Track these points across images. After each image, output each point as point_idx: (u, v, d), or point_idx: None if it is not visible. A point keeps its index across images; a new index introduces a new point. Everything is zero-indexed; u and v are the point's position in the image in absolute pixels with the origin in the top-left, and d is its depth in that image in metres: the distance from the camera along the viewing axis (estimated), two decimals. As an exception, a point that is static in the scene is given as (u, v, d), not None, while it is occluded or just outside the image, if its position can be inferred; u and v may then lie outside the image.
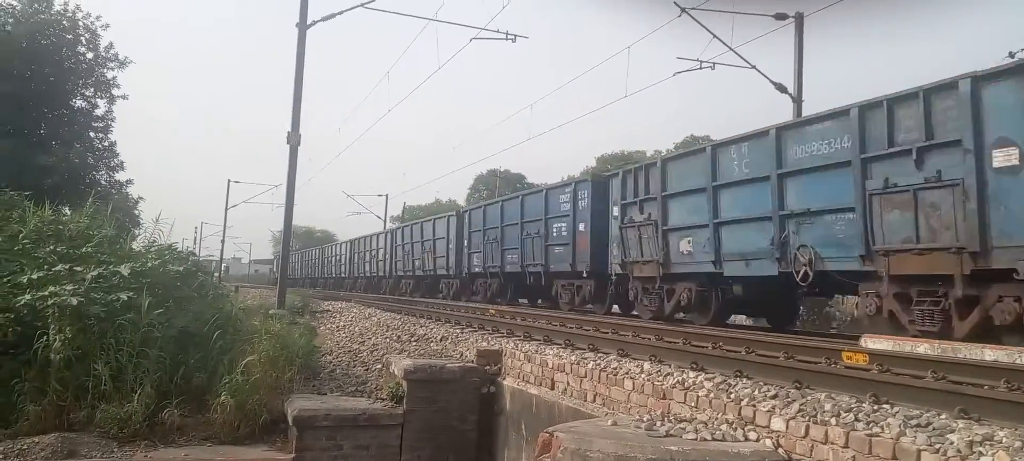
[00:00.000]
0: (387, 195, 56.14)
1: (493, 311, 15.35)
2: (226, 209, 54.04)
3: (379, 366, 11.59)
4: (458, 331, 12.60)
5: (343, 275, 45.56)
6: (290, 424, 9.39)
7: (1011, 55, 8.50)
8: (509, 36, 20.75)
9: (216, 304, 12.31)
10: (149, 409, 9.41)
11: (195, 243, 67.05)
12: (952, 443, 3.91)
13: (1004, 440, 3.79)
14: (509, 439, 9.13)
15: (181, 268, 12.11)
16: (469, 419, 9.61)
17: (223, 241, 58.29)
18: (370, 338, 14.15)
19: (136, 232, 14.20)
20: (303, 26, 18.68)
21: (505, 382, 9.58)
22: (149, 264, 11.30)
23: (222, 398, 9.60)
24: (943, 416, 4.49)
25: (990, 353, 7.18)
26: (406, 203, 67.96)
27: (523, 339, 10.77)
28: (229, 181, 54.03)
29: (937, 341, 8.08)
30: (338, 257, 48.16)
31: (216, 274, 33.67)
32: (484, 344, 10.62)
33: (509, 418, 9.25)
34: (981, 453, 3.72)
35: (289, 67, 18.65)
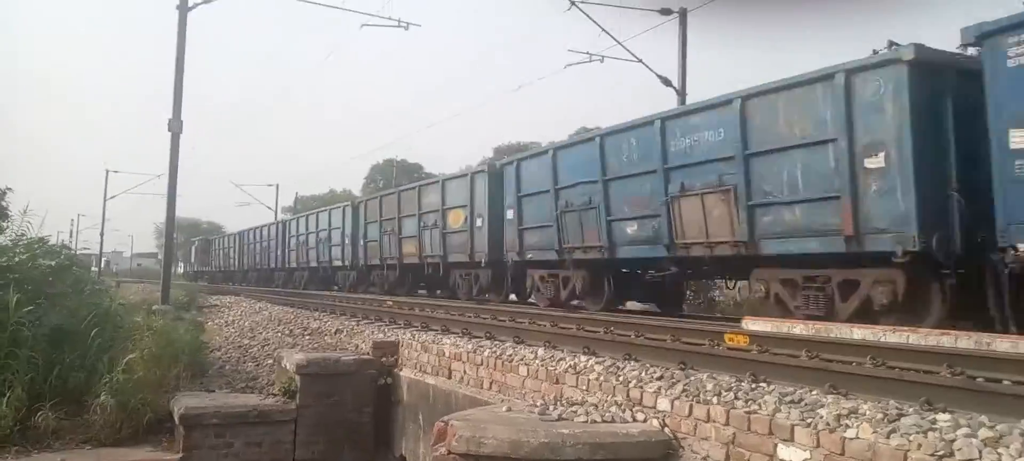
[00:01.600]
0: (277, 185, 54.45)
1: (390, 303, 15.24)
2: (105, 200, 51.13)
3: (270, 361, 11.29)
4: (354, 323, 12.42)
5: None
6: (177, 423, 9.03)
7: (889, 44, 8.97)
8: (401, 23, 20.54)
9: (94, 300, 11.70)
10: (20, 413, 8.83)
11: (71, 237, 63.00)
12: (822, 417, 4.17)
13: (868, 413, 4.07)
14: (406, 429, 9.09)
15: (53, 262, 11.42)
16: (365, 411, 9.50)
17: (102, 234, 55.13)
18: (261, 333, 13.76)
19: (2, 225, 13.22)
20: (184, 8, 17.88)
21: (402, 373, 9.52)
22: (17, 259, 10.60)
23: (102, 398, 9.11)
24: (814, 392, 4.78)
25: (858, 332, 7.71)
26: (299, 193, 66.14)
27: (420, 329, 10.72)
28: (107, 170, 51.13)
29: (812, 322, 8.61)
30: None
31: (95, 269, 31.86)
32: (380, 336, 10.50)
33: (406, 408, 9.20)
34: (847, 425, 3.98)
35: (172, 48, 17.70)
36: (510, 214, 15.36)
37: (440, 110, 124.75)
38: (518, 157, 15.91)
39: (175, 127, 17.68)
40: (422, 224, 19.27)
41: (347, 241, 24.82)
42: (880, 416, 3.96)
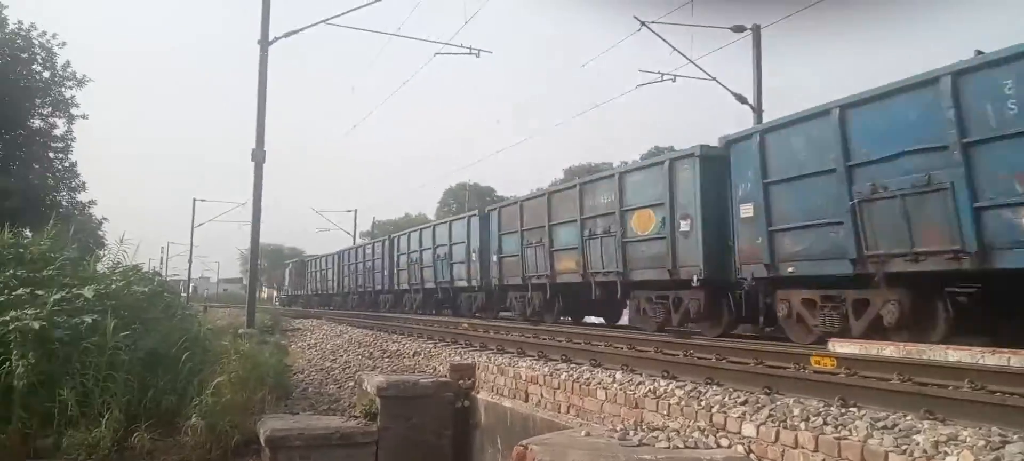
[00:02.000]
0: (356, 210, 55.77)
1: (466, 325, 15.34)
2: (192, 228, 53.41)
3: (351, 383, 11.51)
4: (431, 346, 12.56)
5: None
6: (263, 445, 9.28)
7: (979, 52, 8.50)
8: (473, 51, 20.81)
9: (184, 325, 12.13)
10: (118, 434, 9.21)
11: (162, 264, 65.98)
12: (918, 444, 3.99)
13: (968, 439, 3.88)
14: (484, 453, 9.11)
15: (147, 289, 11.94)
16: (444, 434, 9.57)
17: (190, 261, 57.56)
18: (342, 355, 14.05)
19: (100, 253, 13.92)
20: (265, 43, 18.59)
21: (479, 396, 9.57)
22: (114, 286, 11.12)
23: (193, 420, 9.44)
24: (909, 417, 4.59)
25: (953, 354, 7.36)
26: (376, 218, 67.58)
27: (496, 352, 10.77)
28: (194, 199, 53.39)
29: (903, 344, 8.26)
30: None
31: (184, 294, 33.22)
32: (457, 358, 10.59)
33: (484, 432, 9.23)
34: (946, 453, 3.80)
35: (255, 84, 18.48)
36: (747, 211, 11.44)
37: (511, 135, 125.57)
38: (758, 129, 12.05)
39: (258, 157, 18.33)
40: (587, 232, 15.56)
41: (474, 257, 21.60)
42: (982, 443, 3.77)
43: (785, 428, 4.84)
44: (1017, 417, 4.30)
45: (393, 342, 14.02)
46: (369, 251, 34.14)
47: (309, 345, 16.71)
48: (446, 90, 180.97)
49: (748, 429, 5.17)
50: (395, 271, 29.25)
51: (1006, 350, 7.04)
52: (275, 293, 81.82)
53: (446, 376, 10.04)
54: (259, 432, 9.44)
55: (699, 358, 8.04)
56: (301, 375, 12.75)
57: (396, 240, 29.90)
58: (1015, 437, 3.87)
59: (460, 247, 22.52)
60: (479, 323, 16.16)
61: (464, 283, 22.53)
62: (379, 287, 31.78)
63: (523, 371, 8.72)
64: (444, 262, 23.87)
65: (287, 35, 19.00)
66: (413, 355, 12.18)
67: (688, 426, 5.80)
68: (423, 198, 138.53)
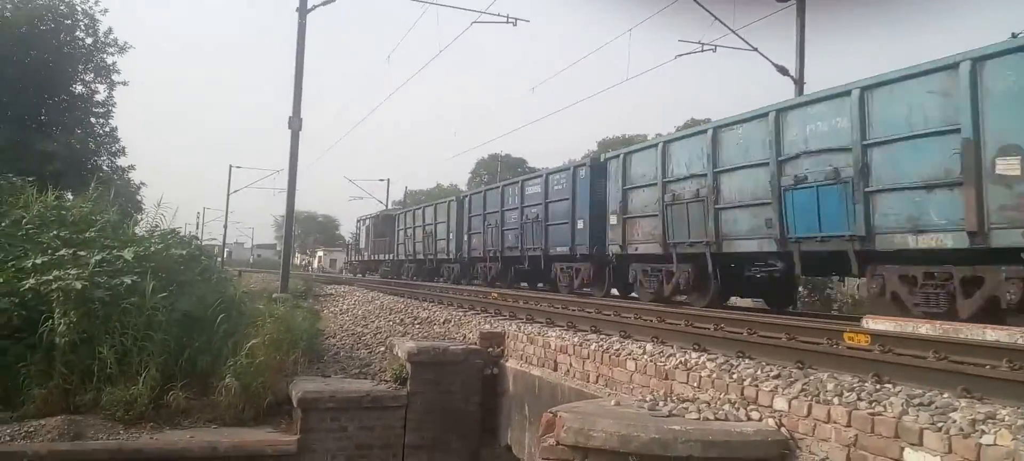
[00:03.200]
0: (388, 180, 55.96)
1: (495, 295, 15.39)
2: (228, 194, 54.06)
3: (382, 349, 11.65)
4: (461, 314, 12.64)
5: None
6: (295, 406, 9.45)
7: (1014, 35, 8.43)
8: (511, 20, 20.64)
9: (219, 288, 12.36)
10: (154, 392, 9.47)
11: (198, 228, 67.09)
12: (954, 421, 3.93)
13: (1007, 418, 3.81)
14: (512, 420, 9.18)
15: (184, 252, 12.16)
16: (472, 400, 9.67)
17: (226, 226, 58.36)
18: (373, 321, 14.21)
19: (139, 217, 14.19)
20: (303, 10, 18.67)
21: (508, 364, 9.62)
22: (152, 248, 11.34)
23: (227, 380, 9.66)
24: (945, 395, 4.51)
25: (991, 333, 7.20)
26: (408, 187, 67.88)
27: (526, 321, 10.80)
28: (231, 166, 54.01)
29: (938, 322, 8.12)
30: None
31: (219, 258, 33.80)
32: (487, 327, 10.65)
33: (512, 399, 9.29)
34: (983, 431, 3.74)
35: (291, 52, 18.59)
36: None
37: (546, 105, 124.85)
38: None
39: (295, 125, 18.48)
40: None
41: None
42: (1021, 422, 3.69)
43: (818, 402, 4.80)
44: (1058, 397, 4.21)
45: (424, 309, 14.13)
46: (518, 193, 19.75)
47: (341, 310, 16.92)
48: (483, 60, 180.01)
49: (780, 403, 5.13)
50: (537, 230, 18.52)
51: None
52: (338, 261, 76.34)
53: (476, 343, 10.11)
54: (291, 393, 9.61)
55: (730, 332, 7.95)
56: (333, 339, 12.92)
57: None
58: (1055, 417, 3.79)
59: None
60: (509, 293, 16.20)
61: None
62: (529, 246, 18.90)
63: (552, 340, 8.74)
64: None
65: (325, 3, 19.02)
66: (444, 323, 12.27)
67: (719, 398, 5.77)
68: (455, 169, 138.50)
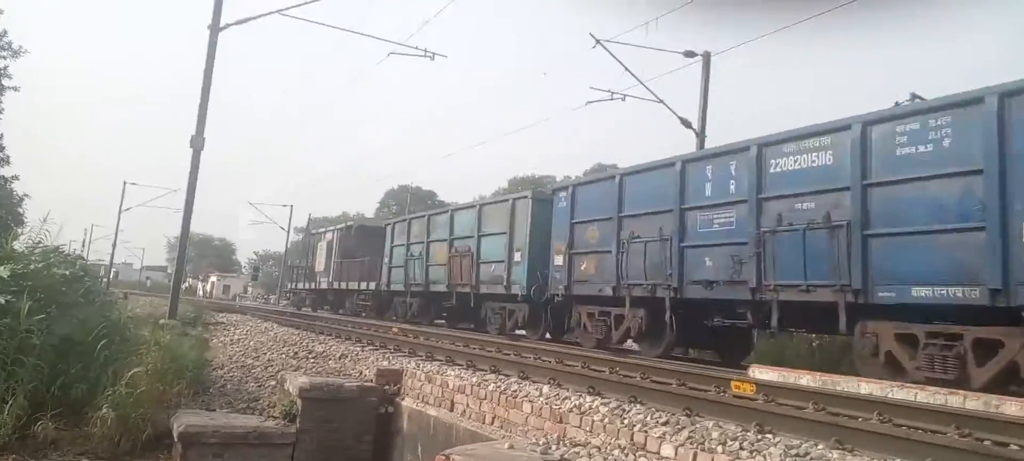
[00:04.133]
0: (292, 205, 54.55)
1: (396, 330, 15.18)
2: (120, 211, 51.52)
3: (273, 383, 11.26)
4: (358, 349, 12.39)
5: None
6: (175, 440, 8.99)
7: (912, 97, 9.12)
8: (428, 53, 20.62)
9: (103, 311, 11.71)
10: (20, 421, 8.83)
11: (84, 247, 63.43)
12: (827, 473, 4.11)
13: (872, 470, 4.02)
14: (404, 460, 9.01)
15: (67, 272, 11.47)
16: (365, 439, 9.44)
17: (115, 245, 55.45)
18: (265, 353, 13.73)
19: (18, 231, 13.31)
20: (215, 28, 18.13)
21: (404, 403, 9.47)
22: (32, 266, 10.64)
23: (103, 411, 9.12)
24: (820, 446, 4.72)
25: (865, 386, 7.62)
26: (311, 214, 66.42)
27: (425, 359, 10.69)
28: (124, 182, 51.52)
29: (819, 373, 8.51)
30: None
31: (105, 280, 31.97)
32: (385, 363, 10.48)
33: (406, 439, 9.14)
34: (852, 482, 3.93)
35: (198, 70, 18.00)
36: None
37: (458, 140, 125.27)
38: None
39: (197, 144, 17.84)
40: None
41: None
42: (885, 475, 3.90)
43: (703, 451, 4.94)
44: (919, 449, 4.47)
45: (320, 343, 13.78)
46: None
47: (232, 341, 16.27)
48: (395, 92, 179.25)
49: (667, 450, 5.24)
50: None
51: (913, 385, 7.34)
52: (233, 287, 76.52)
53: (372, 381, 9.92)
54: (173, 427, 9.15)
55: (625, 376, 8.11)
56: (221, 371, 12.40)
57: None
58: (916, 470, 4.02)
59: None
60: (410, 329, 16.01)
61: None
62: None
63: (451, 380, 8.67)
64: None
65: (239, 22, 18.56)
66: (339, 358, 11.99)
67: (610, 443, 5.85)
68: (364, 199, 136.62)
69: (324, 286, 29.22)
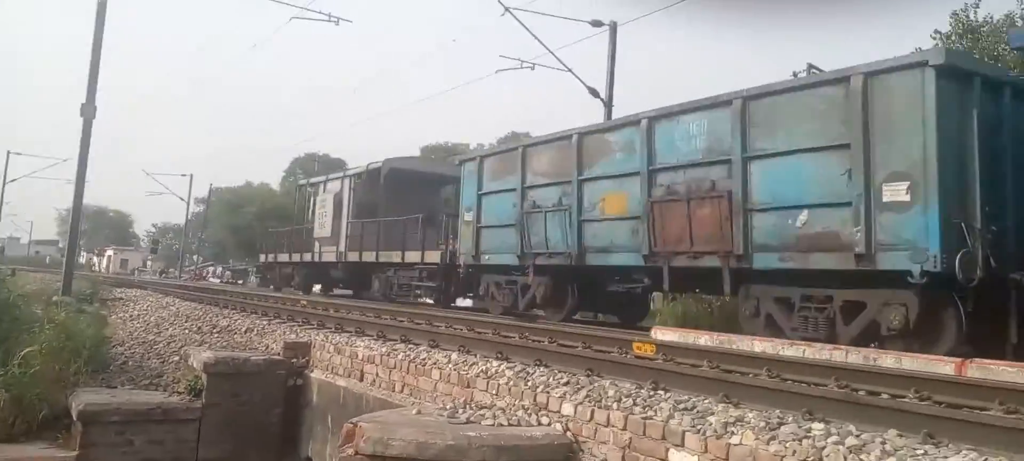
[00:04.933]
0: (192, 175, 52.53)
1: (304, 302, 15.03)
2: (3, 182, 48.52)
3: (177, 358, 11.02)
4: (265, 323, 12.24)
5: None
6: (74, 419, 8.73)
7: (809, 67, 9.74)
8: (332, 18, 20.21)
9: (-11, 289, 11.14)
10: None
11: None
12: (710, 424, 4.42)
13: (752, 421, 4.35)
14: (315, 431, 9.03)
15: (-54, 248, 10.84)
16: (273, 412, 9.39)
17: (-1, 218, 52.17)
18: (167, 329, 13.38)
19: None
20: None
21: (313, 375, 9.47)
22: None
23: (-5, 392, 8.74)
24: (708, 400, 5.04)
25: (758, 345, 8.09)
26: (213, 184, 64.22)
27: (334, 331, 10.66)
28: (8, 152, 48.51)
29: (717, 334, 8.98)
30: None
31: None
32: (293, 336, 10.41)
33: (315, 410, 9.15)
34: (733, 432, 4.24)
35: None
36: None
37: (365, 108, 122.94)
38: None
39: (88, 112, 17.06)
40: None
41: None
42: (763, 424, 4.23)
43: (599, 408, 5.20)
44: (797, 401, 4.83)
45: (224, 317, 13.52)
46: None
47: (131, 317, 15.75)
48: (301, 57, 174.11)
49: (567, 408, 5.49)
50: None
51: (802, 343, 7.85)
52: (132, 261, 73.70)
53: (280, 354, 9.85)
54: (71, 406, 8.87)
55: (534, 340, 8.34)
56: (121, 348, 12.03)
57: None
58: (790, 419, 4.37)
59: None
60: (319, 301, 15.86)
61: None
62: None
63: (360, 350, 8.72)
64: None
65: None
66: (245, 332, 11.82)
67: (514, 405, 6.06)
68: (270, 167, 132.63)
69: (329, 258, 20.75)
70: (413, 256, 16.90)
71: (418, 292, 17.08)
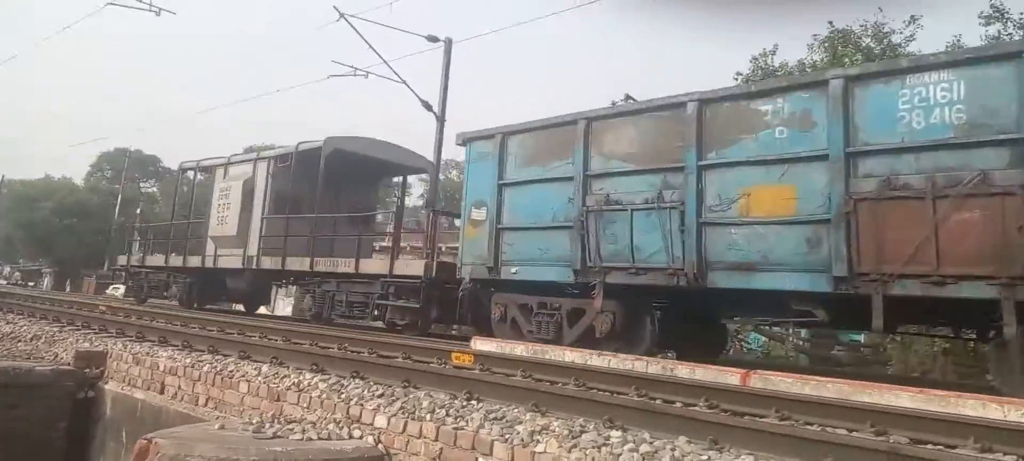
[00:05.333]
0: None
1: (103, 308, 13.85)
2: None
3: (-57, 369, 9.74)
4: (56, 330, 11.13)
5: None
6: None
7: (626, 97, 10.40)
8: (153, 8, 18.93)
9: None
10: None
11: None
12: (518, 433, 4.52)
13: (557, 429, 4.49)
14: (106, 447, 8.31)
15: None
16: (57, 426, 8.52)
17: None
18: (-68, 337, 11.82)
19: None
20: None
21: (107, 386, 8.71)
22: None
23: None
24: (517, 410, 5.15)
25: (569, 355, 8.39)
26: (5, 175, 57.84)
27: (135, 340, 9.88)
28: None
29: (532, 344, 9.22)
30: None
31: None
32: (86, 345, 9.54)
33: (108, 425, 8.43)
34: (538, 441, 4.36)
35: None
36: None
37: (191, 103, 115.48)
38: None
39: None
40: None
41: None
42: (566, 432, 4.38)
43: (413, 419, 5.16)
44: (600, 409, 5.04)
45: (7, 322, 12.15)
46: None
47: None
48: (114, 49, 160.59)
49: (380, 420, 5.41)
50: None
51: (610, 354, 8.22)
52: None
53: (70, 364, 8.99)
54: None
55: (353, 351, 8.16)
56: None
57: None
58: (591, 427, 4.56)
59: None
60: (120, 308, 14.65)
61: None
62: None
63: (162, 361, 8.15)
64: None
65: None
66: (32, 339, 10.69)
67: (326, 418, 5.89)
68: (73, 162, 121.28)
69: (231, 264, 15.95)
70: (374, 266, 13.19)
71: (377, 313, 12.96)
